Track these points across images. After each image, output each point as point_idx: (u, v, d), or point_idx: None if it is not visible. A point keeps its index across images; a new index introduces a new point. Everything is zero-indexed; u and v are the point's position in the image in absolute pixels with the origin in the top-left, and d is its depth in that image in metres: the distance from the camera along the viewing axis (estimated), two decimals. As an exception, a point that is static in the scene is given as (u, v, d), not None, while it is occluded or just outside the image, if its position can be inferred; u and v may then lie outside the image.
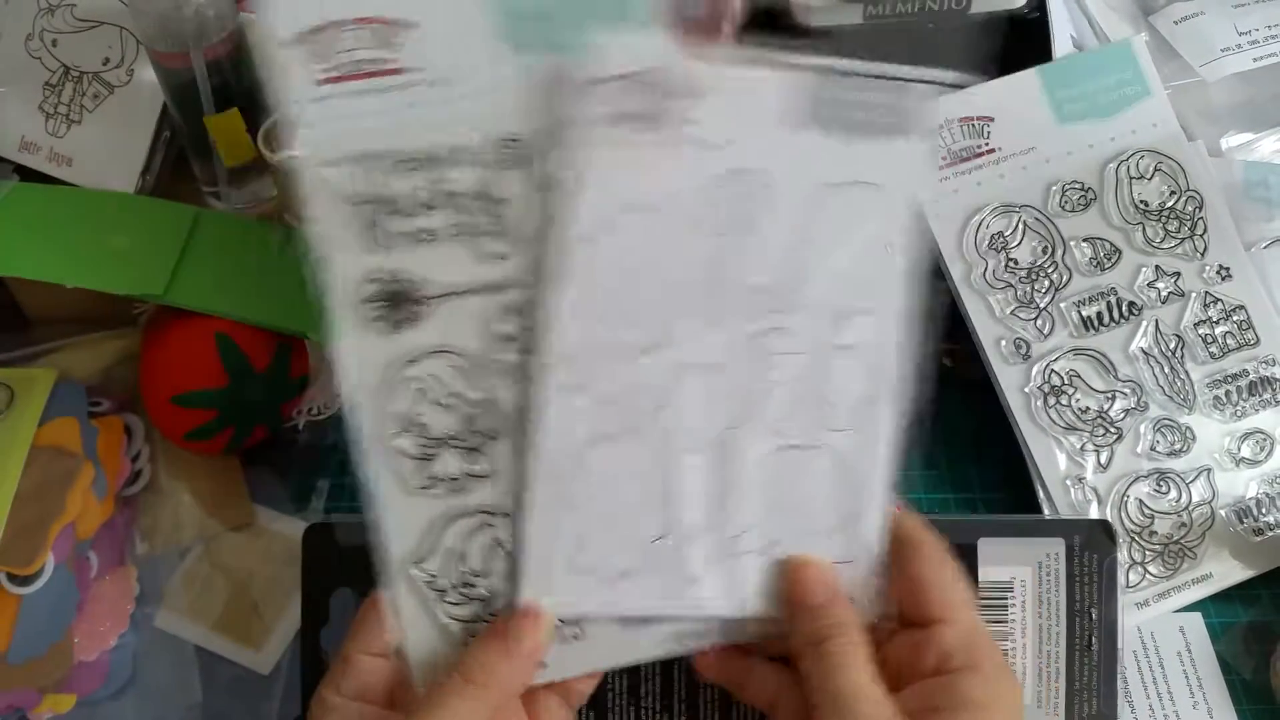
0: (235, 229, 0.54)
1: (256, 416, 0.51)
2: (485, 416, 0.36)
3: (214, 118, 0.56)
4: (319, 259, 0.35)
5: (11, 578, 0.44)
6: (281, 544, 0.51)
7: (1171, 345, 0.51)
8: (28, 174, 0.61)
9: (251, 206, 0.61)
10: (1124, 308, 0.52)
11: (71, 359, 0.54)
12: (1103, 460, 0.50)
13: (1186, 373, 0.51)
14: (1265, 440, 0.51)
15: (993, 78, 0.52)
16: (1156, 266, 0.52)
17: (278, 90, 0.34)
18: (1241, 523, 0.50)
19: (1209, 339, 0.52)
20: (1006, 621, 0.41)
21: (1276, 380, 0.52)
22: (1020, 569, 0.41)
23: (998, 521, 0.42)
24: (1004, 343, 0.51)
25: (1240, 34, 0.62)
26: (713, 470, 0.36)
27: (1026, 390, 0.51)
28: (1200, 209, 0.53)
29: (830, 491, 0.37)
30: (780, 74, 0.35)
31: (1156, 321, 0.52)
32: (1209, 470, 0.50)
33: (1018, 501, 0.52)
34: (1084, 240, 0.52)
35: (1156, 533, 0.50)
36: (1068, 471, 0.50)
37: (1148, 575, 0.49)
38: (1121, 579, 0.49)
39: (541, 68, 0.35)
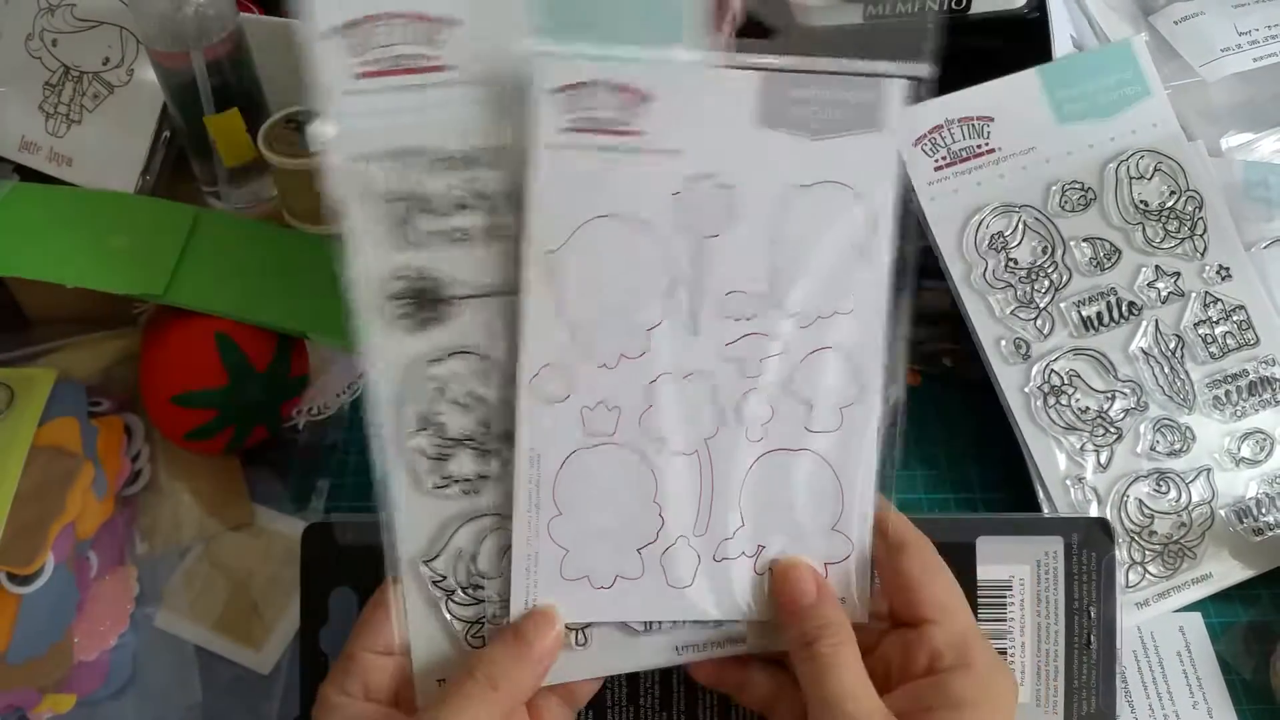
0: (235, 229, 0.54)
1: (256, 416, 0.51)
2: (502, 419, 0.36)
3: (214, 118, 0.56)
4: (347, 253, 0.35)
5: (11, 577, 0.44)
6: (281, 544, 0.51)
7: (1171, 345, 0.51)
8: (28, 174, 0.61)
9: (251, 206, 0.61)
10: (1124, 308, 0.52)
11: (71, 359, 0.54)
12: (1102, 460, 0.50)
13: (1186, 373, 0.51)
14: (1265, 440, 0.51)
15: (991, 78, 0.53)
16: (1156, 266, 0.52)
17: (314, 82, 0.34)
18: (1241, 523, 0.50)
19: (1209, 339, 0.52)
20: (1005, 620, 0.41)
21: (1276, 380, 0.52)
22: (1019, 567, 0.41)
23: (996, 520, 0.42)
24: (1004, 343, 0.51)
25: (1240, 34, 0.62)
26: (697, 476, 0.36)
27: (1026, 390, 0.51)
28: (1200, 209, 0.53)
29: (815, 493, 0.37)
30: (739, 75, 0.35)
31: (1156, 321, 0.52)
32: (1209, 470, 0.50)
33: (1017, 501, 0.52)
34: (1084, 240, 0.52)
35: (1156, 533, 0.50)
36: (1067, 471, 0.50)
37: (1147, 575, 0.49)
38: (1121, 579, 0.49)
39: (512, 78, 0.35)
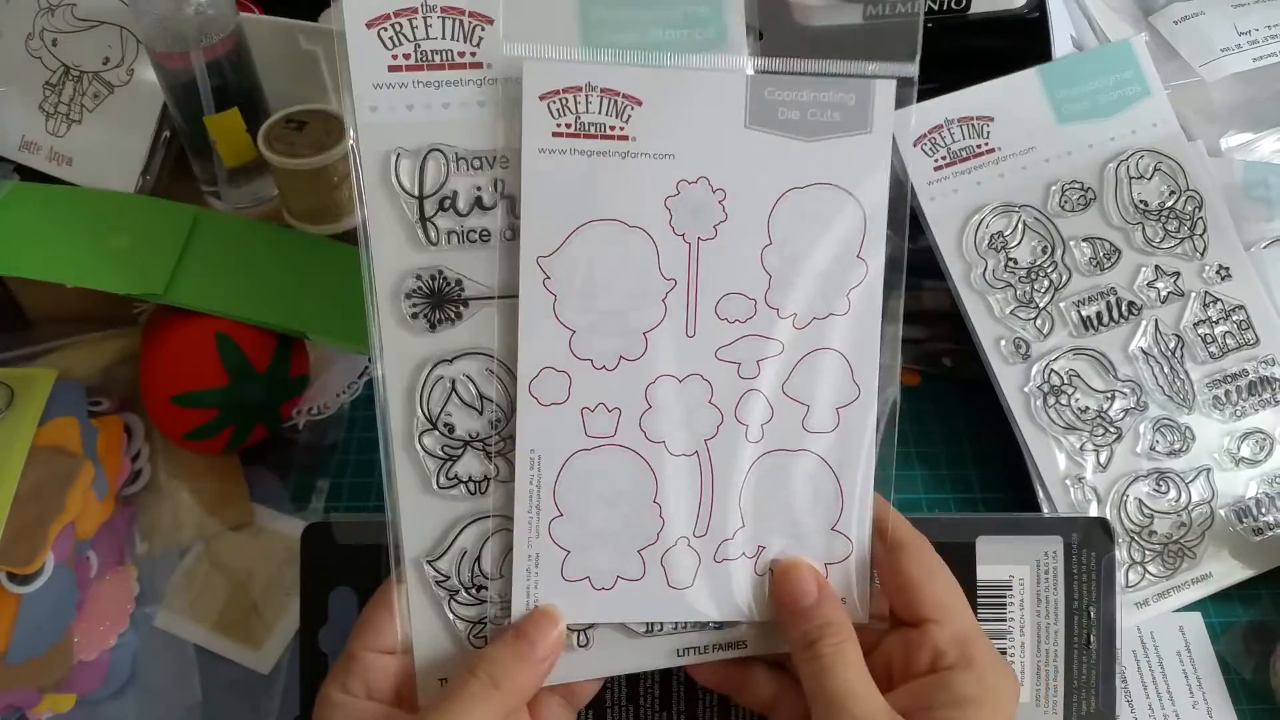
0: (235, 229, 0.54)
1: (256, 416, 0.51)
2: (509, 421, 0.36)
3: (214, 118, 0.56)
4: (365, 248, 0.34)
5: (11, 577, 0.44)
6: (281, 543, 0.51)
7: (1171, 345, 0.51)
8: (28, 174, 0.61)
9: (251, 206, 0.61)
10: (1124, 307, 0.52)
11: (71, 359, 0.54)
12: (1102, 460, 0.50)
13: (1186, 372, 0.51)
14: (1265, 440, 0.51)
15: (991, 78, 0.53)
16: (1156, 266, 0.52)
17: (347, 72, 0.33)
18: (1241, 522, 0.50)
19: (1209, 339, 0.52)
20: (1005, 620, 0.41)
21: (1276, 380, 0.52)
22: (1018, 567, 0.41)
23: (996, 520, 0.42)
24: (1004, 342, 0.51)
25: (1240, 34, 0.62)
26: (697, 477, 0.36)
27: (1026, 390, 0.51)
28: (1200, 209, 0.53)
29: (814, 493, 0.37)
30: (726, 78, 0.35)
31: (1156, 321, 0.52)
32: (1208, 470, 0.50)
33: (1017, 501, 0.52)
34: (1084, 240, 0.52)
35: (1156, 532, 0.50)
36: (1067, 471, 0.50)
37: (1147, 575, 0.49)
38: (1121, 579, 0.49)
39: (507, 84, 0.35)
